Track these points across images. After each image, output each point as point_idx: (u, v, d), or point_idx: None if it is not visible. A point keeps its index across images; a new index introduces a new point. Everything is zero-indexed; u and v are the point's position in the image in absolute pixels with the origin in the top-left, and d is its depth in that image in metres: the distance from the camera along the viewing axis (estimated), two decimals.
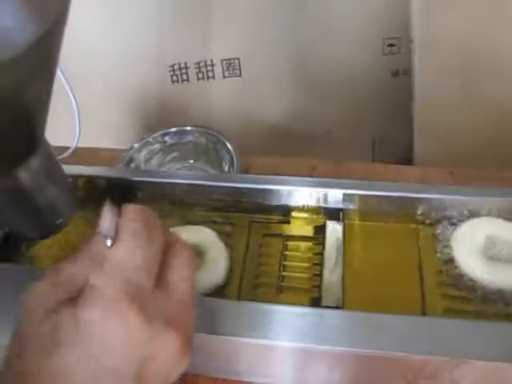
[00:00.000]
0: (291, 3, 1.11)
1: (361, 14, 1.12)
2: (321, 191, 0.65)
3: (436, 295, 0.58)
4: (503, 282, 0.57)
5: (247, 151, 0.88)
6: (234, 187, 0.66)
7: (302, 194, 0.65)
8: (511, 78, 1.02)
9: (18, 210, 0.54)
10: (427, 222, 0.64)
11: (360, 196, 0.64)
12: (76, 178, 0.70)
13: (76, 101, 0.80)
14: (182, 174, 0.79)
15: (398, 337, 0.49)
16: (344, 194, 0.64)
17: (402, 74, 1.21)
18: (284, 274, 0.61)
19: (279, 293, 0.60)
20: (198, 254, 0.61)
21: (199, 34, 1.15)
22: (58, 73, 0.76)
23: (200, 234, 0.63)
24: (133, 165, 0.82)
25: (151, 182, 0.69)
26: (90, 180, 0.70)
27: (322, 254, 0.61)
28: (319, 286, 0.58)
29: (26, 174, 0.53)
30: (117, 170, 0.74)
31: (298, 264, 0.62)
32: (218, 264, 0.60)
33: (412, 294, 0.58)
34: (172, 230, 0.63)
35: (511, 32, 0.97)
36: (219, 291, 0.59)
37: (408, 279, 0.60)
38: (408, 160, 1.19)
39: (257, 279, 0.61)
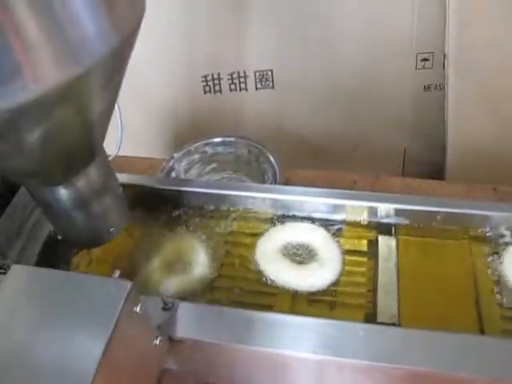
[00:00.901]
0: (325, 17, 1.11)
1: (396, 29, 1.11)
2: (371, 205, 0.64)
3: (494, 315, 0.57)
4: None
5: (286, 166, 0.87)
6: (283, 199, 0.65)
7: (352, 208, 0.64)
8: None
9: (75, 218, 0.54)
10: (481, 238, 0.63)
11: (412, 211, 0.63)
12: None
13: (119, 108, 0.79)
14: (232, 184, 0.78)
15: (458, 356, 0.48)
16: (396, 209, 0.63)
17: (434, 89, 1.20)
18: (337, 289, 0.60)
19: (332, 308, 0.59)
20: (309, 252, 0.63)
21: (233, 45, 1.15)
22: None
23: (313, 233, 0.63)
24: (173, 174, 0.82)
25: (196, 192, 0.68)
26: (134, 188, 0.69)
27: (375, 269, 0.60)
28: (374, 302, 0.57)
29: (83, 182, 0.53)
30: (167, 180, 0.74)
31: (351, 279, 0.61)
32: (329, 263, 0.61)
33: (469, 312, 0.57)
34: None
35: None
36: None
37: (463, 297, 0.58)
38: (438, 174, 1.19)
39: (309, 294, 0.60)
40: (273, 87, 1.19)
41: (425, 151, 1.25)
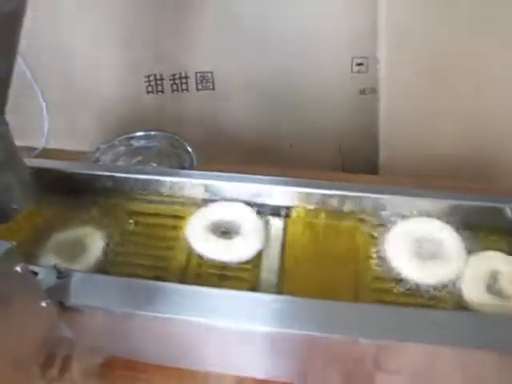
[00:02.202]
0: (264, 20, 1.16)
1: (331, 33, 1.16)
2: (265, 188, 0.69)
3: (368, 288, 0.61)
4: (428, 277, 0.61)
5: (216, 162, 0.91)
6: (184, 182, 0.70)
7: (246, 190, 0.70)
8: (476, 95, 1.06)
9: None
10: (364, 219, 0.68)
11: (302, 193, 0.68)
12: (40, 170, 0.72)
13: (45, 102, 0.83)
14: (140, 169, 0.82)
15: (329, 320, 0.52)
16: (287, 191, 0.68)
17: (369, 92, 1.25)
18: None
19: (221, 280, 0.63)
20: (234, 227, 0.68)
21: (175, 46, 1.19)
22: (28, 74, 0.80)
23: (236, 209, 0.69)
24: None
25: (112, 176, 0.73)
26: (52, 173, 0.73)
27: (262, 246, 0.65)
28: (257, 277, 0.62)
29: None
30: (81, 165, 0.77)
31: None
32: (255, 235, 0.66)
33: (346, 286, 0.62)
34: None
35: (479, 50, 1.02)
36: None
37: (343, 272, 0.63)
38: (374, 172, 1.23)
39: (199, 268, 0.65)
40: (213, 88, 1.23)
41: (360, 152, 1.30)
